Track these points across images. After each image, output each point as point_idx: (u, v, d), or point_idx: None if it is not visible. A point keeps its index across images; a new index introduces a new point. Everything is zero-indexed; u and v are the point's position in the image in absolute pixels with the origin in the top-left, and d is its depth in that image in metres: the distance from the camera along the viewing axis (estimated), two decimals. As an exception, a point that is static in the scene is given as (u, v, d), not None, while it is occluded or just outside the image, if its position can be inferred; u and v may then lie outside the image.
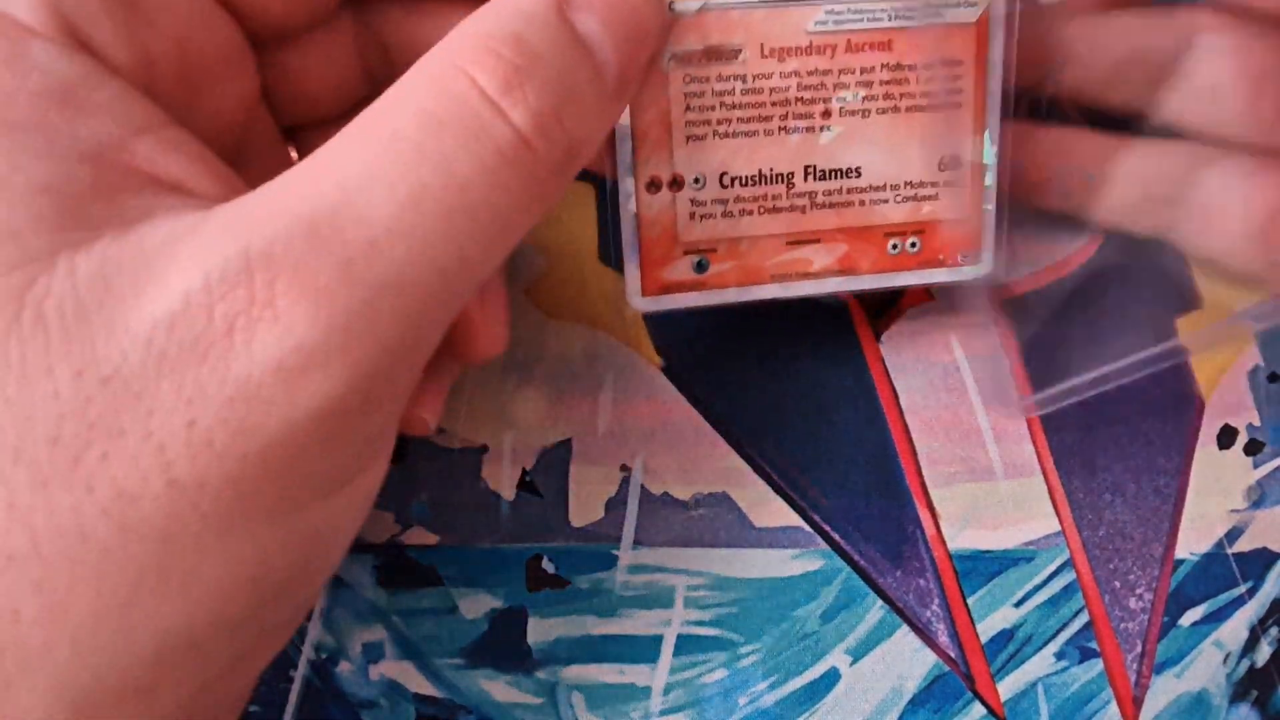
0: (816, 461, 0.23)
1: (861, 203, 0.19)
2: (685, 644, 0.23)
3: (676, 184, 0.19)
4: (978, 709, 0.23)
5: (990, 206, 0.20)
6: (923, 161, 0.19)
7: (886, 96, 0.19)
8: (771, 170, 0.19)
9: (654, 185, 0.19)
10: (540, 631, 0.23)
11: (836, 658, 0.23)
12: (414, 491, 0.23)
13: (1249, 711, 0.23)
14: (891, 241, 0.20)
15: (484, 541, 0.23)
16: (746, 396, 0.23)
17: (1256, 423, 0.23)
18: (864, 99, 0.19)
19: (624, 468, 0.23)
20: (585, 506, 0.23)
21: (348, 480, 0.14)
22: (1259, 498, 0.23)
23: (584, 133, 0.14)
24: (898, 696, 0.23)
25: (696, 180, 0.19)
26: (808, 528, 0.23)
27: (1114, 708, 0.23)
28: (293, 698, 0.23)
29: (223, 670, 0.13)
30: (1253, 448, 0.23)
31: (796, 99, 0.19)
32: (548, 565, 0.23)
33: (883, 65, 0.19)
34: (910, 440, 0.23)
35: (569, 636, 0.23)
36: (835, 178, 0.19)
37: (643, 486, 0.23)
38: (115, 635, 0.12)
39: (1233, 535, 0.23)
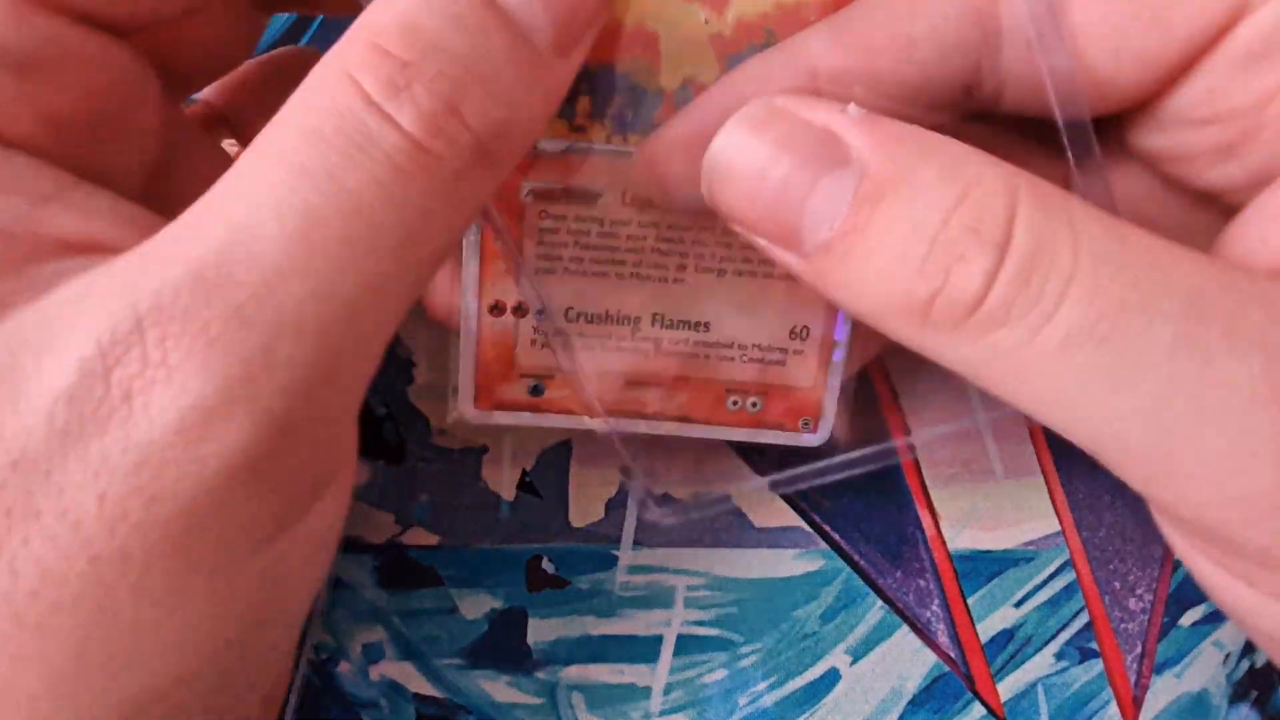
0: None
1: (706, 356, 0.19)
2: (685, 644, 0.23)
3: (520, 311, 0.19)
4: (978, 709, 0.23)
5: (836, 380, 0.19)
6: (774, 327, 0.19)
7: (745, 260, 0.18)
8: (619, 312, 0.19)
9: (497, 309, 0.19)
10: (540, 632, 0.23)
11: (836, 658, 0.23)
12: (414, 492, 0.23)
13: (1249, 712, 0.23)
14: (732, 398, 0.19)
15: (484, 542, 0.23)
16: None
17: None
18: (721, 259, 0.18)
19: (624, 469, 0.23)
20: (585, 507, 0.23)
21: (292, 518, 0.13)
22: None
23: (501, 114, 0.13)
24: (898, 697, 0.23)
25: (541, 311, 0.19)
26: (808, 528, 0.23)
27: (1114, 708, 0.23)
28: (292, 698, 0.23)
29: (207, 715, 0.13)
30: None
31: (653, 249, 0.18)
32: (548, 566, 0.23)
33: None
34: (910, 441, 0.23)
35: (569, 637, 0.23)
36: (683, 328, 0.19)
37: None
38: (70, 712, 0.12)
39: None
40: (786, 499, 0.23)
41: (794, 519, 0.23)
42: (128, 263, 0.12)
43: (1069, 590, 0.23)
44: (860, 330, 0.19)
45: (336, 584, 0.22)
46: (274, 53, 0.20)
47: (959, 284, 0.13)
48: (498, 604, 0.23)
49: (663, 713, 0.23)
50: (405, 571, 0.23)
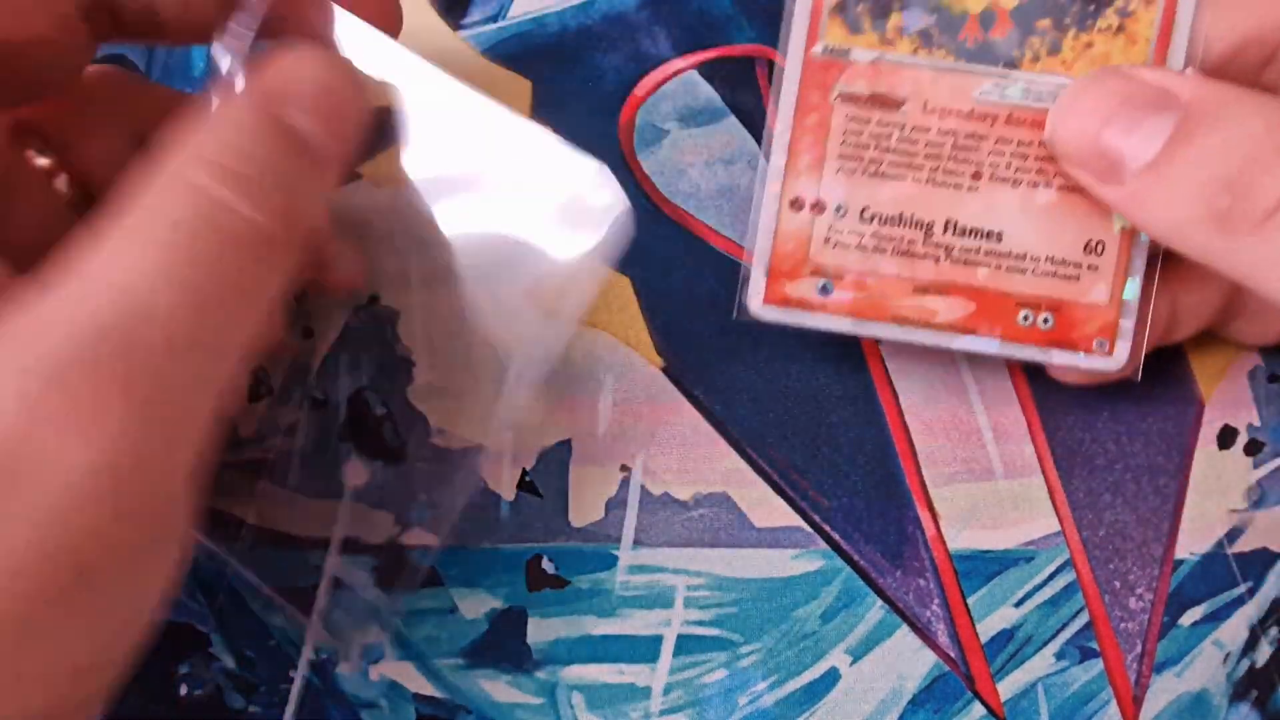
0: (816, 462, 0.24)
1: (998, 266, 0.20)
2: (685, 644, 0.23)
3: (818, 207, 0.20)
4: (978, 709, 0.23)
5: (1132, 299, 0.20)
6: (1069, 240, 0.20)
7: (1039, 172, 0.19)
8: (913, 215, 0.20)
9: (797, 204, 0.20)
10: (540, 632, 0.23)
11: (836, 658, 0.23)
12: (413, 492, 0.23)
13: (1249, 711, 0.23)
14: (1023, 312, 0.20)
15: (484, 542, 0.23)
16: (746, 397, 0.24)
17: (1256, 423, 0.24)
18: (1016, 170, 0.19)
19: (624, 468, 0.23)
20: (585, 507, 0.23)
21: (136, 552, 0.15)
22: (1259, 498, 0.24)
23: (304, 205, 0.17)
24: (898, 696, 0.23)
25: (838, 208, 0.20)
26: (808, 528, 0.23)
27: (1114, 707, 0.23)
28: (293, 698, 0.23)
29: None
30: (1253, 448, 0.24)
31: (950, 155, 0.19)
32: (548, 565, 0.23)
33: (1041, 143, 0.19)
34: (910, 440, 0.24)
35: (569, 637, 0.23)
36: (975, 237, 0.20)
37: (643, 487, 0.23)
38: None
39: (1233, 535, 0.24)
40: (786, 499, 0.23)
41: (794, 519, 0.23)
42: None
43: (1069, 590, 0.23)
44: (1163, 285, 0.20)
45: (336, 584, 0.23)
46: (89, 70, 0.21)
47: (1262, 192, 0.16)
48: (497, 604, 0.23)
49: (662, 712, 0.23)
50: (405, 572, 0.23)
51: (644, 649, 0.23)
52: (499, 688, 0.23)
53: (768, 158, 0.20)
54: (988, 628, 0.23)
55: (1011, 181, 0.20)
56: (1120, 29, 0.19)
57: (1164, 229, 0.18)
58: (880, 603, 0.23)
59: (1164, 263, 0.20)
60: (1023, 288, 0.20)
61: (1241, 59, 0.19)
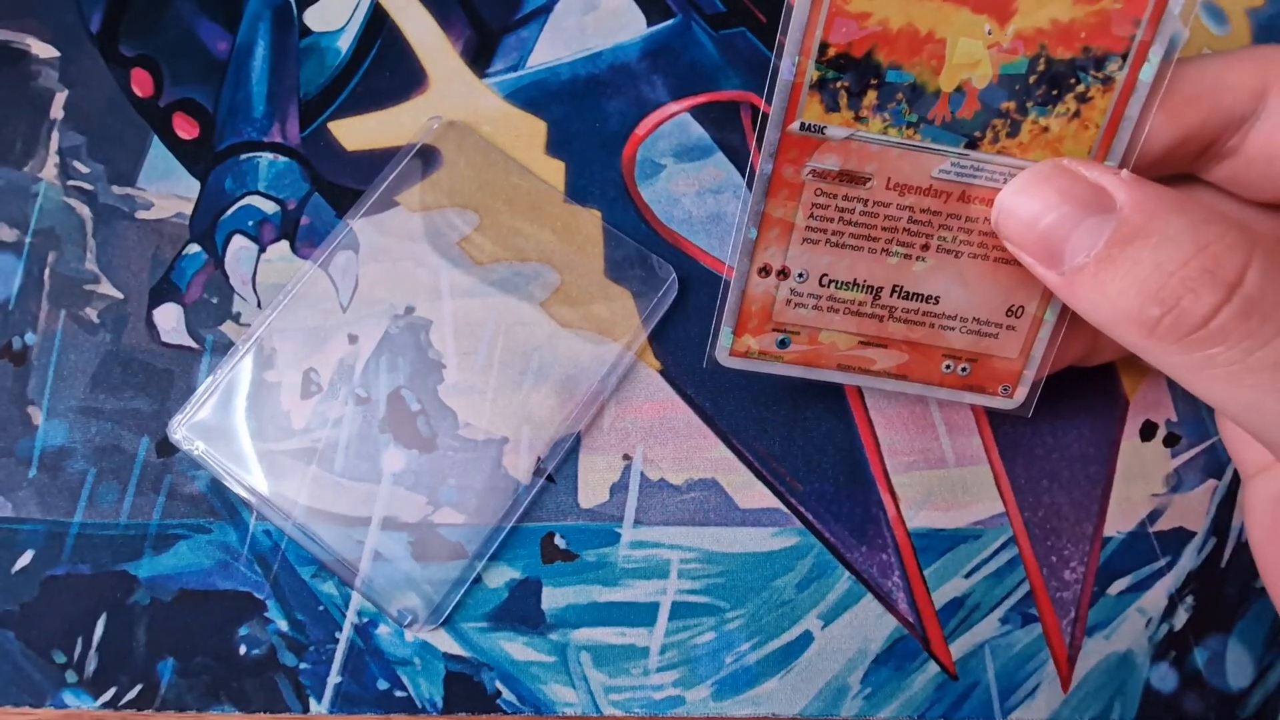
0: (793, 452, 0.25)
1: (931, 325, 0.21)
2: (679, 610, 0.24)
3: (783, 274, 0.20)
4: (933, 667, 0.24)
5: (1038, 354, 0.21)
6: (995, 304, 0.20)
7: (980, 245, 0.20)
8: (865, 281, 0.20)
9: (765, 271, 0.20)
10: (553, 599, 0.24)
11: (810, 622, 0.24)
12: (444, 477, 0.24)
13: (1168, 669, 0.24)
14: (946, 362, 0.21)
15: (504, 521, 0.24)
16: (733, 396, 0.25)
17: (1174, 418, 0.25)
18: (961, 242, 0.20)
19: (626, 457, 0.25)
20: (592, 490, 0.24)
21: None
22: (1176, 483, 0.25)
23: None
24: (863, 656, 0.24)
25: (800, 275, 0.20)
26: (785, 509, 0.25)
27: (1051, 666, 0.24)
28: (338, 657, 0.24)
29: None
30: (1171, 440, 0.25)
31: (904, 229, 0.20)
32: (560, 541, 0.24)
33: (985, 219, 0.20)
34: (874, 434, 0.25)
35: (578, 603, 0.24)
36: (916, 299, 0.20)
37: (642, 473, 0.24)
38: None
39: (1154, 516, 0.25)
40: (767, 484, 0.25)
41: (773, 501, 0.24)
42: None
43: (1012, 564, 0.24)
44: (1068, 333, 0.21)
45: (376, 557, 0.24)
46: None
47: (1188, 309, 0.16)
48: (516, 575, 0.24)
49: (659, 669, 0.24)
50: (436, 546, 0.24)
51: (643, 614, 0.24)
52: (517, 648, 0.24)
53: (740, 229, 0.20)
54: (941, 596, 0.24)
55: (955, 253, 0.20)
56: (1076, 114, 0.19)
57: (1096, 318, 0.18)
58: (848, 574, 0.24)
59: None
60: (950, 342, 0.21)
61: (1180, 151, 0.19)
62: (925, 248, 0.20)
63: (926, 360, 0.21)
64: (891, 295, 0.21)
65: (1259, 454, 0.22)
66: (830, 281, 0.20)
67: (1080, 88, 0.19)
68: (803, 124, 0.19)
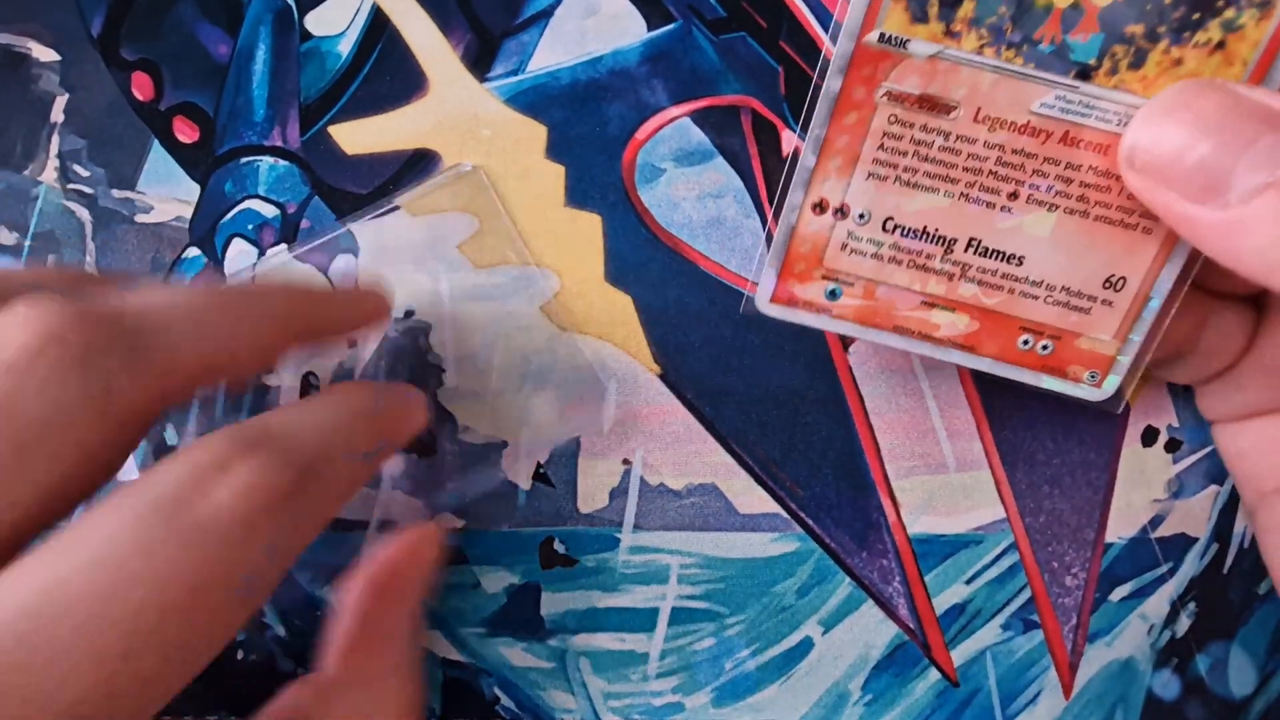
0: (793, 456, 0.25)
1: (1011, 290, 0.18)
2: (678, 616, 0.24)
3: (842, 213, 0.17)
4: (933, 674, 0.24)
5: (1138, 338, 0.18)
6: (1090, 272, 0.17)
7: (1080, 199, 0.17)
8: (937, 231, 0.17)
9: (820, 207, 0.17)
10: (552, 604, 0.24)
11: (810, 628, 0.24)
12: (442, 482, 0.24)
13: (1170, 676, 0.24)
14: (1024, 336, 0.18)
15: (503, 525, 0.24)
16: (733, 400, 0.25)
17: (1175, 424, 0.25)
18: (1056, 194, 0.17)
19: (625, 461, 0.25)
20: (592, 495, 0.24)
21: None
22: (1178, 489, 0.25)
23: None
24: (864, 662, 0.24)
25: (862, 216, 0.18)
26: (785, 514, 0.24)
27: (1053, 673, 0.24)
28: None
29: None
30: (1172, 446, 0.25)
31: (990, 171, 0.17)
32: (559, 546, 0.24)
33: (1091, 168, 0.17)
34: (874, 438, 0.25)
35: (577, 609, 0.24)
36: (995, 258, 0.18)
37: (642, 478, 0.24)
38: None
39: (1155, 522, 0.24)
40: (767, 489, 0.24)
41: (773, 506, 0.24)
42: None
43: (1013, 569, 0.24)
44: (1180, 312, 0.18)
45: None
46: None
47: None
48: (515, 580, 0.24)
49: (658, 675, 0.24)
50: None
51: (642, 620, 0.24)
52: (516, 653, 0.24)
53: (796, 157, 0.17)
54: (942, 602, 0.24)
55: (1048, 205, 0.17)
56: (1220, 45, 0.16)
57: (1270, 258, 0.14)
58: (848, 580, 0.24)
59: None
60: (1031, 313, 0.18)
61: None
62: (1013, 196, 0.17)
63: (1001, 331, 0.18)
64: (967, 250, 0.18)
65: (1275, 474, 0.21)
66: (896, 227, 0.17)
67: (1229, 13, 0.15)
68: (882, 35, 0.16)
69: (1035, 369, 0.18)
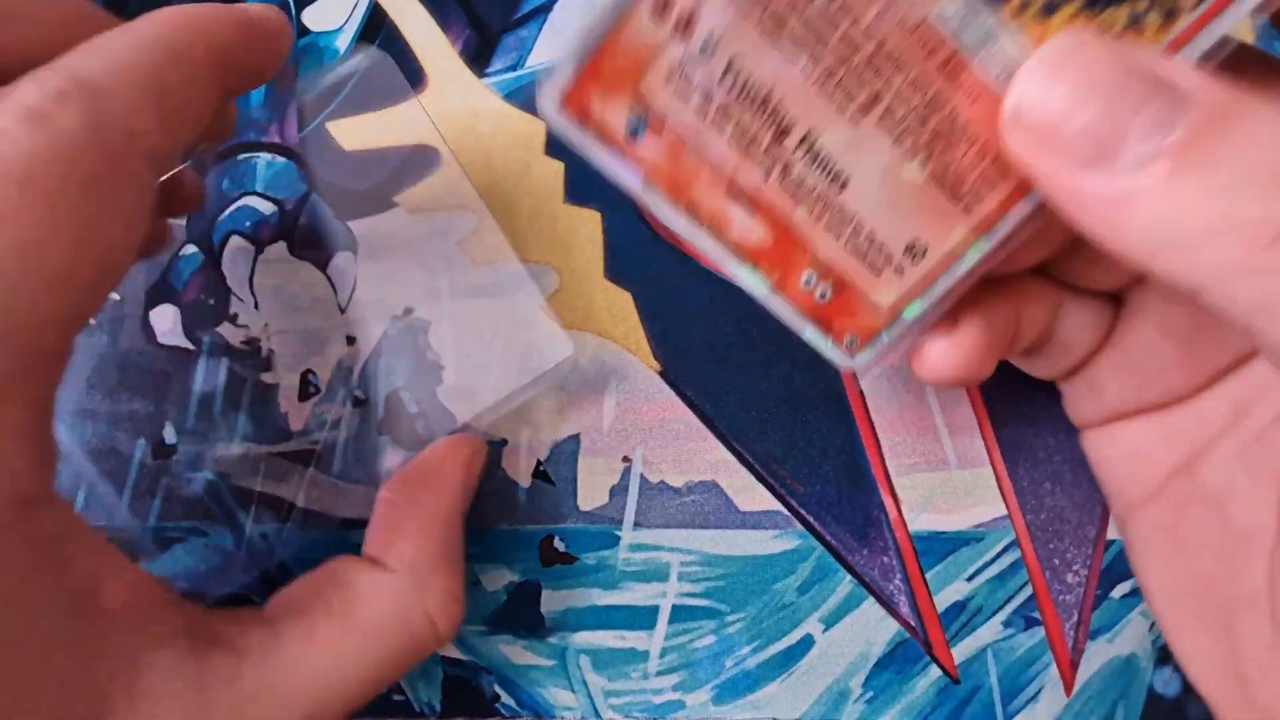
0: (794, 454, 0.25)
1: (820, 215, 0.15)
2: (679, 613, 0.24)
3: (684, 27, 0.14)
4: (934, 671, 0.24)
5: (909, 319, 0.16)
6: (898, 230, 0.16)
7: (928, 144, 0.15)
8: (777, 106, 0.14)
9: (663, 10, 0.14)
10: (552, 602, 0.24)
11: (811, 625, 0.24)
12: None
13: (1171, 674, 0.24)
14: (809, 274, 0.16)
15: (503, 523, 0.24)
16: (733, 397, 0.25)
17: None
18: (910, 123, 0.15)
19: (625, 459, 0.25)
20: (592, 493, 0.24)
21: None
22: None
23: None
24: (865, 660, 0.24)
25: (705, 44, 0.14)
26: (786, 512, 0.25)
27: (1054, 670, 0.24)
28: None
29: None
30: None
31: (861, 65, 0.14)
32: (559, 544, 0.24)
33: (953, 114, 0.15)
34: (875, 435, 0.25)
35: (577, 606, 0.24)
36: (821, 170, 0.15)
37: (642, 476, 0.25)
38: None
39: None
40: (767, 487, 0.25)
41: (774, 504, 0.25)
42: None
43: (1014, 567, 0.24)
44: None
45: None
46: None
47: None
48: (515, 578, 0.24)
49: (659, 673, 0.24)
50: None
51: (643, 617, 0.24)
52: (516, 651, 0.24)
53: None
54: (943, 599, 0.24)
55: (896, 135, 0.15)
56: (1122, 32, 0.14)
57: (1165, 237, 0.13)
58: (849, 577, 0.24)
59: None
60: (828, 250, 0.16)
61: None
62: (868, 107, 0.15)
63: (790, 258, 0.16)
64: (798, 146, 0.15)
65: (1146, 481, 0.20)
66: (736, 77, 0.14)
67: (1140, 5, 0.14)
68: None
69: (805, 313, 0.16)
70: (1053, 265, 0.19)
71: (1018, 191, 0.16)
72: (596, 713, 0.24)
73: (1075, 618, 0.24)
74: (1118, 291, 0.20)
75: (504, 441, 0.25)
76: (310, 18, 0.26)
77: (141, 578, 0.18)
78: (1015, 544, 0.25)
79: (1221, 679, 0.19)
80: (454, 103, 0.26)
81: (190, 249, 0.25)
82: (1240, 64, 0.14)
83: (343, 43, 0.26)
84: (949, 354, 0.18)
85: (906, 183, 0.15)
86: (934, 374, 0.18)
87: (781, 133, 0.15)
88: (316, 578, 0.20)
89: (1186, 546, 0.19)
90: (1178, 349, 0.19)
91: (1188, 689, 0.25)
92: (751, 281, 0.16)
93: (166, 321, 0.25)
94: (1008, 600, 0.25)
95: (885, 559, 0.25)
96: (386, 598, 0.20)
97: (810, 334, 0.17)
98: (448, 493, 0.22)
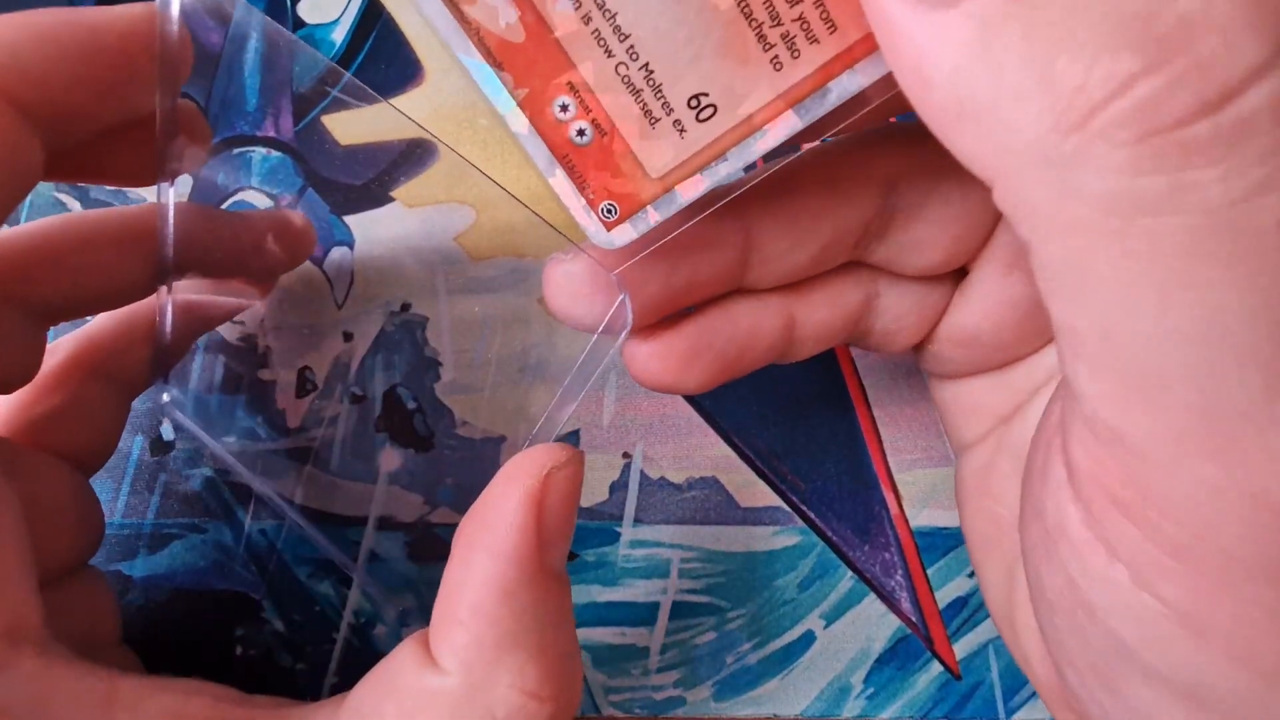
0: (795, 450, 0.25)
1: (588, 20, 0.12)
2: (679, 610, 0.24)
3: None
4: (936, 667, 0.24)
5: (682, 201, 0.13)
6: (685, 73, 0.12)
7: None
8: None
9: None
10: None
11: (812, 621, 0.24)
12: (440, 477, 0.24)
13: None
14: (566, 99, 0.12)
15: None
16: (733, 393, 0.25)
17: None
18: None
19: (625, 455, 0.25)
20: (592, 489, 0.24)
21: None
22: None
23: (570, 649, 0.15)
24: (866, 656, 0.24)
25: None
26: (787, 508, 0.25)
27: None
28: (335, 657, 0.24)
29: None
30: None
31: None
32: None
33: None
34: (876, 431, 0.25)
35: (578, 603, 0.24)
36: None
37: (642, 472, 0.24)
38: None
39: None
40: (768, 483, 0.25)
41: (775, 500, 0.25)
42: None
43: None
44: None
45: (372, 558, 0.24)
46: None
47: (1172, 97, 0.09)
48: None
49: (659, 670, 0.24)
50: (433, 546, 0.24)
51: (643, 614, 0.24)
52: None
53: None
54: (945, 595, 0.24)
55: None
56: None
57: (960, 94, 0.10)
58: (850, 573, 0.24)
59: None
60: (594, 73, 0.12)
61: None
62: None
63: (544, 71, 0.12)
64: None
65: (975, 428, 0.20)
66: None
67: None
68: None
69: (558, 154, 0.13)
70: (866, 253, 0.17)
71: (846, 56, 0.12)
72: (596, 709, 0.24)
73: (1077, 613, 0.24)
74: (947, 271, 0.18)
75: (502, 438, 0.24)
76: (306, 10, 0.26)
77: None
78: (1017, 540, 0.24)
79: (1000, 617, 0.19)
80: (451, 96, 0.25)
81: (186, 245, 0.25)
82: None
83: (339, 35, 0.26)
84: (656, 358, 0.16)
85: (711, 13, 0.12)
86: (643, 376, 0.17)
87: None
88: (379, 679, 0.16)
89: (990, 494, 0.19)
90: (1020, 320, 0.18)
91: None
92: (492, 89, 0.12)
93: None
94: (1009, 596, 0.24)
95: (886, 555, 0.25)
96: (440, 712, 0.15)
97: (560, 183, 0.13)
98: (506, 549, 0.16)
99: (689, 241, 0.15)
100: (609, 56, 0.12)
